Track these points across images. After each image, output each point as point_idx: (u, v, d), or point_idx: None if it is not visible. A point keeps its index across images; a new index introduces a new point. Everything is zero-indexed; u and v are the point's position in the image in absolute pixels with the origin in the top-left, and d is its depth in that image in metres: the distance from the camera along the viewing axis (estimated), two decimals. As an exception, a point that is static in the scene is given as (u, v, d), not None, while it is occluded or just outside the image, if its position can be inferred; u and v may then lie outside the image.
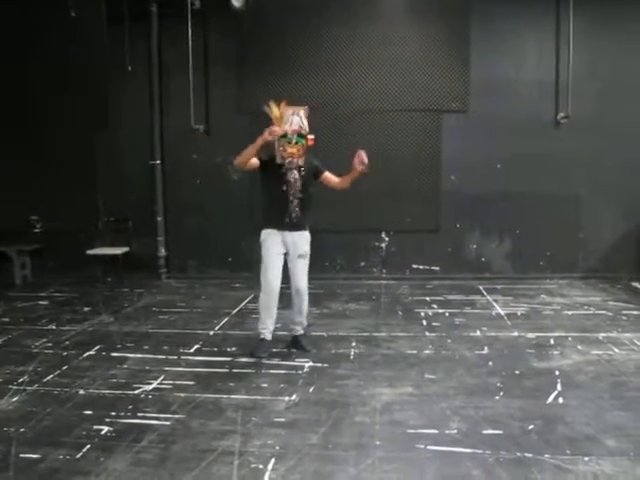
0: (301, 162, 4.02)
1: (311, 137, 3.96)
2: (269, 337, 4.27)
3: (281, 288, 4.17)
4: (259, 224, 4.23)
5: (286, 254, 4.17)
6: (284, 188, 4.02)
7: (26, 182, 6.89)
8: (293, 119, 3.90)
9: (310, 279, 4.25)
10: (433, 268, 6.90)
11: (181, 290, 6.65)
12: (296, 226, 4.12)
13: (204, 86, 6.90)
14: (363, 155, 3.93)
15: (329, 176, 4.24)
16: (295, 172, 4.02)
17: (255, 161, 4.01)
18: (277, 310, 4.19)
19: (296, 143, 3.91)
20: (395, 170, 6.69)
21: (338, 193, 6.63)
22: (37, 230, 7.18)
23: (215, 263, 7.03)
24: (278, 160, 3.98)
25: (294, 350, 4.29)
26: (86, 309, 5.73)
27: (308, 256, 4.20)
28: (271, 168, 4.04)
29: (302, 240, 4.16)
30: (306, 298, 4.26)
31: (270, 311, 4.19)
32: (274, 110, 3.93)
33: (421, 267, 6.91)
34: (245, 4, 6.36)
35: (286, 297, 4.35)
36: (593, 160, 6.55)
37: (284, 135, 3.90)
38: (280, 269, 4.15)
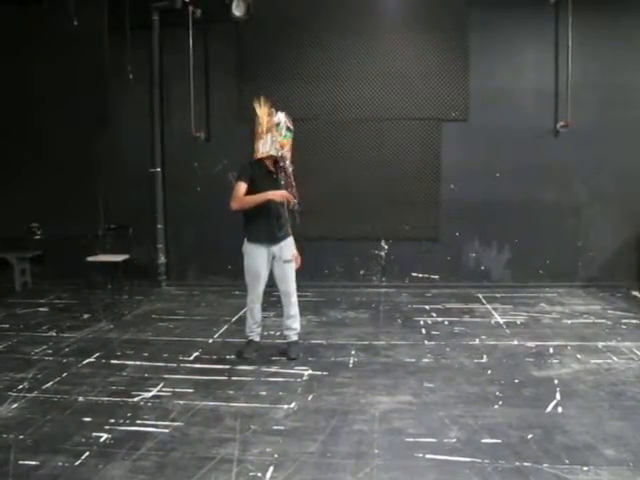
0: (289, 157, 4.08)
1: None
2: (257, 339, 4.44)
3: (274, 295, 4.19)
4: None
5: (273, 259, 4.21)
6: (278, 176, 4.05)
7: (27, 189, 6.91)
8: (280, 115, 4.04)
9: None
10: (432, 276, 6.90)
11: (181, 297, 6.65)
12: (284, 237, 4.17)
13: (205, 94, 6.95)
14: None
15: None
16: (287, 162, 4.07)
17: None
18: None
19: (285, 137, 4.02)
20: (394, 178, 6.71)
21: (337, 201, 6.80)
22: (37, 237, 7.20)
23: (215, 270, 7.03)
24: (274, 153, 4.00)
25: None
26: (86, 316, 5.74)
27: (294, 259, 4.25)
28: (257, 181, 4.03)
29: (288, 246, 4.20)
30: (295, 302, 4.30)
31: (255, 316, 4.37)
32: (262, 105, 4.04)
33: (420, 275, 6.92)
34: (246, 13, 6.41)
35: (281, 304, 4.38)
36: (592, 168, 6.57)
37: (278, 124, 3.99)
38: (265, 277, 4.25)
